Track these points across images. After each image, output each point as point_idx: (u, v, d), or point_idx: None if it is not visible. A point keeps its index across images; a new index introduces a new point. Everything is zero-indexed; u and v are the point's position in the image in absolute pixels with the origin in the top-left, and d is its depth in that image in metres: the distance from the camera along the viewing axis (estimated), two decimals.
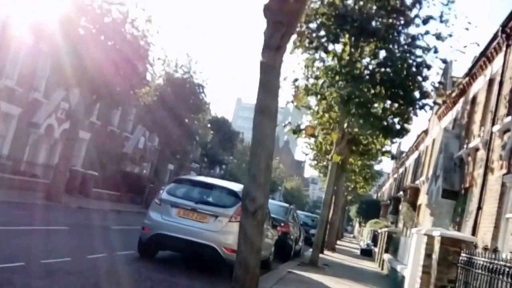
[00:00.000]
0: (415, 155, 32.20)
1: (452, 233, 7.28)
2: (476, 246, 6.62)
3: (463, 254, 6.52)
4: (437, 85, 13.47)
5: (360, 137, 16.96)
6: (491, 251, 5.94)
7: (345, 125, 13.95)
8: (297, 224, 17.40)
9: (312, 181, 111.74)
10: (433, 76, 14.04)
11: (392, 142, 13.40)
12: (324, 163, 22.85)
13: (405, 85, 12.95)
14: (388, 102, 13.17)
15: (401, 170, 40.40)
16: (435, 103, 13.75)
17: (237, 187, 9.91)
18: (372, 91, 13.02)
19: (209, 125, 32.03)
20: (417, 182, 27.34)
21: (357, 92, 12.79)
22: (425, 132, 28.47)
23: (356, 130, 14.16)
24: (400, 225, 29.41)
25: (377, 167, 34.46)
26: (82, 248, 9.65)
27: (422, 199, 23.83)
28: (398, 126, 13.18)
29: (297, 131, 13.05)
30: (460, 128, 18.76)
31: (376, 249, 21.76)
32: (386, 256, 15.79)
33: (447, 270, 6.80)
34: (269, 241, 11.76)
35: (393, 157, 13.83)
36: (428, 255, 7.92)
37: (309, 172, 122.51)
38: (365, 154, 22.79)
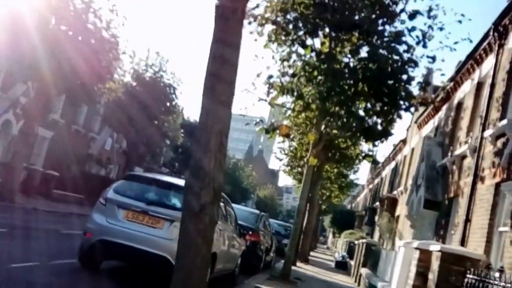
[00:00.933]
0: (392, 165, 31.26)
1: (455, 248, 5.97)
2: (490, 266, 5.31)
3: (470, 276, 5.19)
4: (422, 84, 12.27)
5: (338, 140, 15.72)
6: (505, 273, 4.66)
7: (323, 126, 12.64)
8: (269, 233, 16.00)
9: (286, 190, 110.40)
10: (419, 78, 12.85)
11: (374, 145, 12.16)
12: (299, 169, 21.55)
13: (389, 83, 11.72)
14: (371, 101, 11.93)
15: (376, 180, 39.47)
16: (421, 103, 12.56)
17: None
18: (353, 89, 11.76)
19: (181, 130, 30.49)
20: (394, 192, 26.28)
21: (337, 89, 11.51)
22: (403, 141, 27.51)
23: (334, 131, 12.89)
24: (376, 236, 28.28)
25: (352, 177, 33.31)
26: (11, 254, 8.05)
27: (401, 210, 22.72)
28: (380, 128, 11.93)
29: (270, 130, 11.69)
30: (443, 135, 17.73)
31: (353, 262, 20.47)
32: (364, 271, 14.48)
33: None
34: (235, 251, 10.33)
35: (374, 162, 12.59)
36: (420, 274, 6.59)
37: (283, 181, 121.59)
38: (341, 162, 21.61)
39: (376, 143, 12.25)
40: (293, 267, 17.58)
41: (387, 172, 33.29)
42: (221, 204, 9.41)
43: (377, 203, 30.61)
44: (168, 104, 25.96)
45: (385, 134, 11.83)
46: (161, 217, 7.61)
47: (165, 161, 36.03)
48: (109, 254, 7.77)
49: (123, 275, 8.41)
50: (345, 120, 12.19)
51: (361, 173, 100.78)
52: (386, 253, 11.01)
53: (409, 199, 18.68)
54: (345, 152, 20.39)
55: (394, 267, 9.10)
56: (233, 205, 15.75)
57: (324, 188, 27.50)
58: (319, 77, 11.48)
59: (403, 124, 31.97)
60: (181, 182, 8.81)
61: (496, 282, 4.37)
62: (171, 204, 8.05)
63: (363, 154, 12.71)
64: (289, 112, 13.88)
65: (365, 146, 20.34)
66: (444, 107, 18.41)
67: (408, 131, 27.12)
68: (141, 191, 8.05)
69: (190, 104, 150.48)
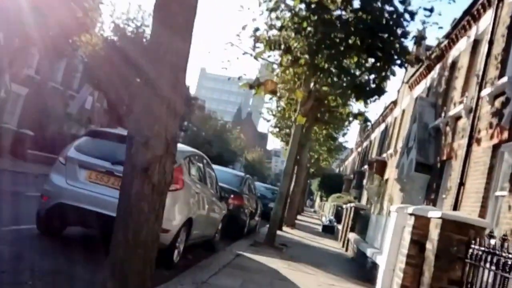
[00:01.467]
0: (381, 127, 30.71)
1: (457, 214, 5.30)
2: (492, 234, 4.64)
3: (475, 246, 4.52)
4: (417, 39, 11.42)
5: (328, 99, 14.94)
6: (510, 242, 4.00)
7: (312, 83, 11.81)
8: (254, 196, 15.36)
9: (275, 153, 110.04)
10: (414, 33, 11.96)
11: (366, 104, 11.38)
12: (287, 130, 20.78)
13: (383, 37, 10.86)
14: (363, 56, 11.08)
15: (365, 143, 39.04)
16: (416, 59, 11.74)
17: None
18: (345, 43, 10.89)
19: None
20: (384, 155, 25.82)
21: (327, 42, 10.63)
22: (394, 103, 26.87)
23: (324, 88, 12.07)
24: (364, 200, 27.96)
25: (341, 140, 32.69)
26: None
27: (390, 173, 22.24)
28: (372, 85, 11.14)
29: (254, 85, 10.81)
30: (436, 96, 17.08)
31: (340, 227, 20.06)
32: (352, 236, 13.98)
33: (448, 266, 4.82)
34: (215, 216, 9.65)
35: (366, 120, 11.84)
36: (415, 242, 5.95)
37: (272, 144, 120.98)
38: (331, 123, 20.89)
39: (368, 101, 11.48)
40: (279, 232, 17.09)
41: (376, 134, 32.78)
42: (200, 164, 8.65)
43: (366, 166, 30.20)
44: None
45: (378, 91, 11.04)
46: None
47: None
48: (69, 220, 6.99)
49: (88, 243, 7.69)
50: (335, 76, 11.38)
51: (350, 136, 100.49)
52: (375, 218, 10.42)
53: (400, 162, 18.13)
54: (335, 112, 19.65)
55: (385, 234, 8.50)
56: (216, 166, 15.05)
57: (312, 151, 26.87)
58: (309, 29, 10.57)
59: (394, 85, 31.05)
60: None
61: (506, 255, 3.70)
62: None
63: (355, 113, 11.90)
64: (276, 68, 13.01)
65: (355, 107, 19.51)
66: (438, 67, 17.70)
67: (399, 92, 26.45)
68: (107, 149, 7.24)
69: None
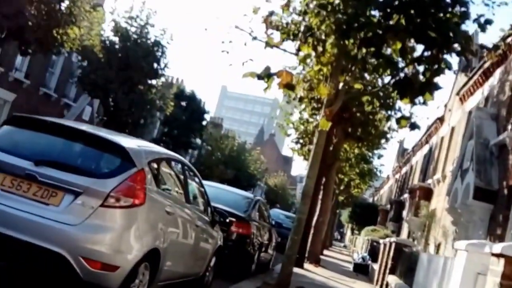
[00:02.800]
0: (424, 150, 28.38)
1: None
2: None
3: None
4: (481, 23, 9.31)
5: (361, 101, 12.92)
6: None
7: (340, 78, 9.76)
8: (267, 224, 13.26)
9: (300, 180, 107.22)
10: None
11: (413, 104, 9.24)
12: (311, 146, 18.73)
13: (438, 16, 8.84)
14: (410, 41, 9.06)
15: (405, 169, 36.60)
16: (482, 46, 9.62)
17: (131, 142, 5.73)
18: (385, 22, 8.92)
19: (171, 103, 27.72)
20: (428, 181, 23.47)
21: (362, 19, 8.66)
22: (440, 119, 24.61)
23: (357, 86, 10.03)
24: (404, 235, 25.52)
25: (376, 164, 30.30)
26: None
27: (437, 202, 19.91)
28: (422, 78, 9.05)
29: (264, 76, 8.82)
30: (498, 106, 14.93)
31: (376, 266, 17.74)
32: (393, 280, 11.71)
33: None
34: (204, 246, 7.62)
35: (413, 127, 9.63)
36: None
37: (298, 170, 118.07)
38: (364, 140, 18.78)
39: (416, 101, 9.34)
40: (298, 271, 14.94)
41: (418, 158, 30.40)
42: (176, 173, 6.67)
43: (406, 195, 27.78)
44: (156, 65, 23.15)
45: (429, 87, 8.95)
46: (59, 186, 4.92)
47: (154, 136, 33.31)
48: None
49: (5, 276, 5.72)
50: (372, 67, 9.36)
51: (386, 160, 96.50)
52: (428, 259, 8.18)
53: (452, 187, 15.86)
54: (369, 126, 17.59)
55: (444, 282, 6.33)
56: (215, 184, 13.01)
57: (341, 173, 24.61)
58: (337, 1, 8.61)
59: (439, 98, 28.62)
60: (97, 131, 6.08)
61: None
62: (78, 164, 5.32)
63: (397, 118, 9.73)
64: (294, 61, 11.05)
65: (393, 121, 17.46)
66: (498, 71, 15.64)
67: (446, 107, 24.23)
68: (30, 144, 5.35)
69: (186, 72, 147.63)
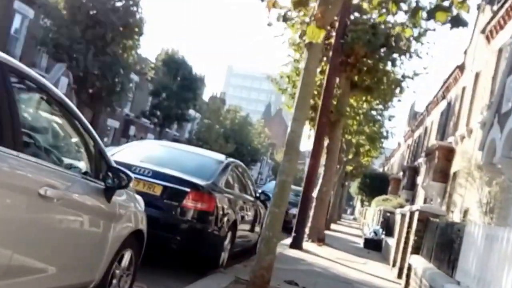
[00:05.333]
0: (441, 106, 24.63)
1: None
2: None
3: None
4: None
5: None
6: None
7: None
8: (248, 197, 9.64)
9: (308, 154, 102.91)
10: None
11: (433, 19, 5.52)
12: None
13: None
14: None
15: (418, 132, 32.88)
16: None
17: None
18: None
19: (152, 65, 23.97)
20: (449, 139, 19.83)
21: None
22: (460, 68, 20.85)
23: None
24: (419, 203, 21.91)
25: (386, 126, 26.39)
26: None
27: (461, 162, 16.21)
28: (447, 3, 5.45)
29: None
30: None
31: (391, 242, 14.22)
32: (418, 262, 8.16)
33: None
34: (87, 236, 4.09)
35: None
36: None
37: (305, 145, 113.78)
38: (373, 90, 15.10)
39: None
40: (295, 253, 11.52)
41: (433, 118, 26.64)
42: (57, 107, 3.15)
43: (421, 160, 24.13)
44: (131, 20, 19.46)
45: (453, 19, 5.42)
46: None
47: (142, 108, 29.71)
48: None
49: None
50: None
51: (396, 126, 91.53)
52: (488, 233, 4.57)
53: (485, 139, 12.26)
54: (378, 71, 13.97)
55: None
56: (173, 144, 9.69)
57: (349, 133, 20.87)
58: None
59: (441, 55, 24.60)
60: None
61: None
62: None
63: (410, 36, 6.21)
64: None
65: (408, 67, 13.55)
66: None
67: (466, 54, 20.45)
68: None
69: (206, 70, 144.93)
